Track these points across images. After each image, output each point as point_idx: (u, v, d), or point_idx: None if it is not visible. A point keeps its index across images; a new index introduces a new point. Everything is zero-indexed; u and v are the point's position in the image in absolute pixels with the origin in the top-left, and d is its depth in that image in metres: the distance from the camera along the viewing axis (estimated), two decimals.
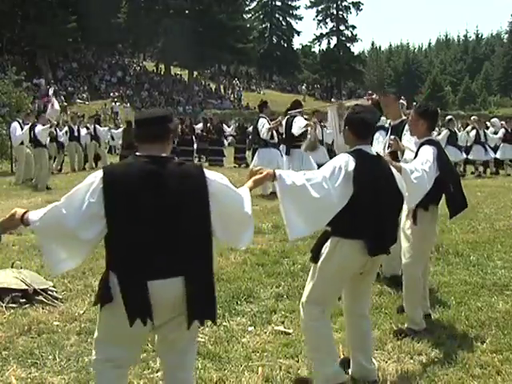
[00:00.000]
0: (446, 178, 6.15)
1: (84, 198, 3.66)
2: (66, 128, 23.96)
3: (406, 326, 6.32)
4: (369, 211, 4.69)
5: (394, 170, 5.13)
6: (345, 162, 4.71)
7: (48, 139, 19.04)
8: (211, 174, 3.95)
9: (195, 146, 27.25)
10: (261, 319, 6.63)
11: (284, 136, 15.77)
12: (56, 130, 22.17)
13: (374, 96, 9.14)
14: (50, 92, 20.63)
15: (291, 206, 4.57)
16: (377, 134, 7.72)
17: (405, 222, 6.36)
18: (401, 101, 9.20)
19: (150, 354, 5.57)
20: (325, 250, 4.86)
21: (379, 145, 7.73)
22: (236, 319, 6.62)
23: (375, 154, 5.02)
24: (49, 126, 18.07)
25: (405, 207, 5.81)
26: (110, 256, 3.76)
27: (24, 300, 7.04)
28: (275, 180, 4.54)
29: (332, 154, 13.14)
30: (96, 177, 3.71)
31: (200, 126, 28.78)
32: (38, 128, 17.78)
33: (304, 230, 4.73)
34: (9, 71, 26.39)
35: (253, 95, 69.18)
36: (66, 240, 3.78)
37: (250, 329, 6.37)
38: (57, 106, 18.99)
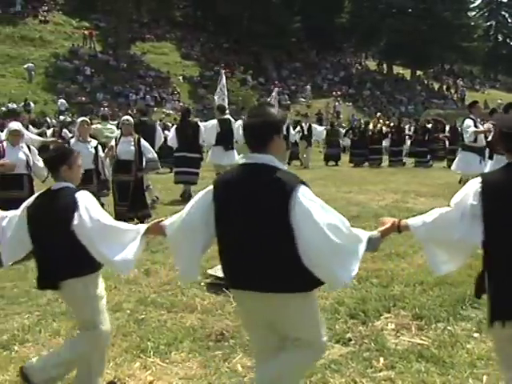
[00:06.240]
0: None
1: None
2: (299, 127, 24.67)
3: None
4: None
5: None
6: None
7: None
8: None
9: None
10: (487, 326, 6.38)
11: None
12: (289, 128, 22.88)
13: None
14: (274, 93, 21.25)
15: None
16: None
17: None
18: None
19: (372, 352, 5.56)
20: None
21: None
22: (461, 324, 6.41)
23: None
24: None
25: None
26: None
27: None
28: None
29: None
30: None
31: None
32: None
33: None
34: (236, 70, 27.52)
35: (477, 95, 66.76)
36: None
37: (476, 335, 6.13)
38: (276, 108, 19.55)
